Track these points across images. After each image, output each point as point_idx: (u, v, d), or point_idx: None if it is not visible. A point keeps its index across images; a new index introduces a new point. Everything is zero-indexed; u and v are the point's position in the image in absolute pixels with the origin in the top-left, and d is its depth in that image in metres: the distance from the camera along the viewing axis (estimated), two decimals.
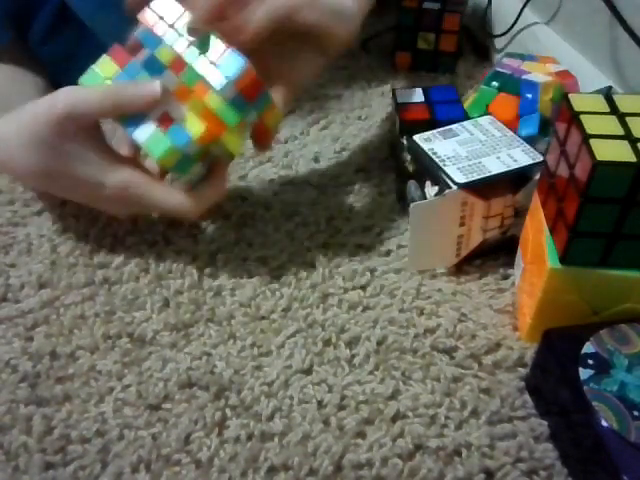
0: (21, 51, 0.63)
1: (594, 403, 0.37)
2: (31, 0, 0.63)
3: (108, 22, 0.61)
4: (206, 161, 0.49)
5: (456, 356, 0.45)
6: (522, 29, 0.78)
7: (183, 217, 0.52)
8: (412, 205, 0.48)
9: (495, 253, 0.53)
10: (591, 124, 0.40)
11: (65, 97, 0.46)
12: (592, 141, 0.38)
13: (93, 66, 0.48)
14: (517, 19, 0.78)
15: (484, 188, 0.49)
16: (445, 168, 0.50)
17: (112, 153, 0.49)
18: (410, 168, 0.54)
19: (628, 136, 0.39)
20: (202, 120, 0.45)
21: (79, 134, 0.47)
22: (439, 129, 0.55)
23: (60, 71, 0.65)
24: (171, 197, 0.48)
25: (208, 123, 0.45)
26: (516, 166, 0.50)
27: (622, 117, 0.41)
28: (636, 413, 0.36)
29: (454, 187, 0.48)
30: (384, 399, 0.43)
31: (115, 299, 0.49)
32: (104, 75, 0.47)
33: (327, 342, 0.46)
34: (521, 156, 0.51)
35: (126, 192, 0.48)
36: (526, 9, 0.77)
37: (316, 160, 0.64)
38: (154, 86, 0.45)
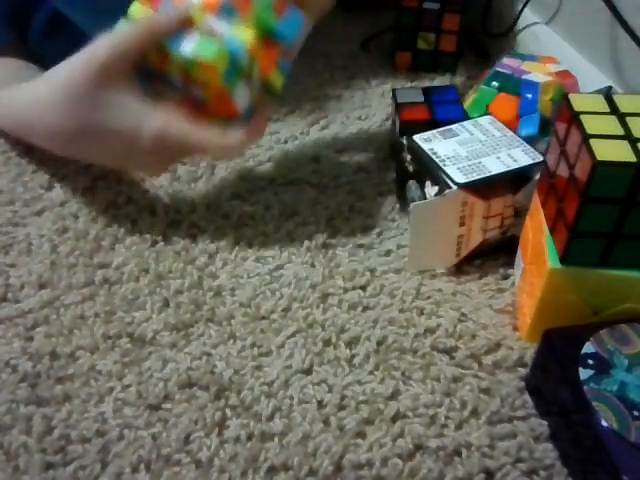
0: (20, 50, 0.63)
1: (594, 403, 0.37)
2: (29, 0, 0.63)
3: (102, 30, 0.62)
4: (248, 90, 0.49)
5: (456, 356, 0.45)
6: (522, 29, 0.78)
7: (223, 155, 0.53)
8: (412, 205, 0.48)
9: (495, 253, 0.53)
10: (591, 124, 0.40)
11: (103, 43, 0.47)
12: (592, 141, 0.38)
13: (126, 16, 0.49)
14: (517, 19, 0.78)
15: (484, 188, 0.49)
16: (445, 168, 0.50)
17: (147, 100, 0.49)
18: (410, 168, 0.54)
19: (628, 136, 0.39)
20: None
21: (116, 82, 0.47)
22: (439, 129, 0.55)
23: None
24: (211, 134, 0.48)
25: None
26: (516, 166, 0.50)
27: (622, 117, 0.41)
28: (636, 413, 0.36)
29: (454, 187, 0.48)
30: (384, 399, 0.43)
31: (115, 299, 0.49)
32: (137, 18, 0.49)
33: (327, 342, 0.46)
34: (521, 156, 0.51)
35: (165, 136, 0.48)
36: (526, 9, 0.77)
37: (316, 160, 0.64)
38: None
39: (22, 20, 0.65)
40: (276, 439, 0.40)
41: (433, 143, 0.53)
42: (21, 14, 0.64)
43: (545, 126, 0.61)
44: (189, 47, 0.47)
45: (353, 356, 0.45)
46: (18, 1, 0.63)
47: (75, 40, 0.64)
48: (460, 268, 0.52)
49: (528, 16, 0.77)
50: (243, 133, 0.49)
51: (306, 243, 0.54)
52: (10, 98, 0.55)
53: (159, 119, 0.48)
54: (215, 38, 0.47)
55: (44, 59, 0.66)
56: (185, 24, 0.47)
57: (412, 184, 0.54)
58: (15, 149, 0.63)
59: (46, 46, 0.66)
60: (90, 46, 0.48)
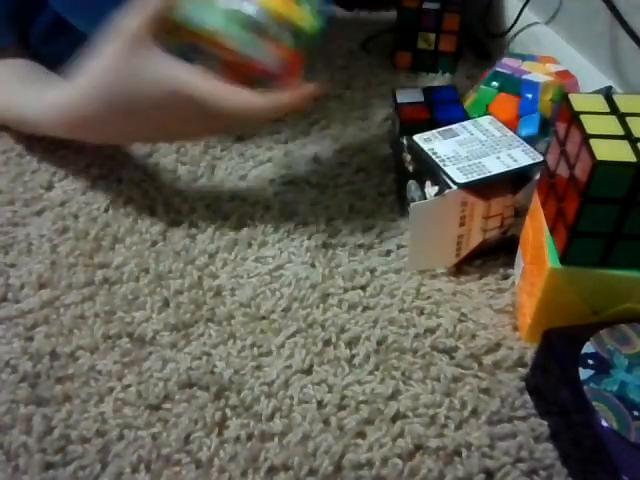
0: (22, 52, 0.63)
1: (594, 403, 0.37)
2: (32, 2, 0.63)
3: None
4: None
5: (456, 356, 0.45)
6: (522, 29, 0.78)
7: (253, 117, 0.50)
8: (412, 205, 0.48)
9: (495, 253, 0.53)
10: (591, 124, 0.40)
11: (131, 16, 0.48)
12: (592, 141, 0.38)
13: None
14: (517, 19, 0.78)
15: (484, 188, 0.49)
16: (445, 168, 0.50)
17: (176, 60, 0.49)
18: (410, 168, 0.54)
19: (628, 136, 0.39)
20: None
21: (146, 48, 0.48)
22: (439, 129, 0.55)
23: (59, 70, 0.66)
24: (239, 94, 0.47)
25: None
26: (516, 166, 0.50)
27: (622, 117, 0.41)
28: (636, 413, 0.36)
29: (454, 187, 0.48)
30: (384, 399, 0.43)
31: (115, 299, 0.49)
32: None
33: (327, 342, 0.46)
34: (521, 156, 0.51)
35: (190, 92, 0.47)
36: (526, 9, 0.77)
37: (316, 160, 0.64)
38: None
39: (24, 23, 0.65)
40: (276, 439, 0.40)
41: (433, 143, 0.53)
42: (23, 18, 0.65)
43: (545, 126, 0.61)
44: (196, 16, 0.46)
45: (353, 356, 0.45)
46: (20, 5, 0.63)
47: (76, 44, 0.64)
48: (460, 268, 0.52)
49: (528, 16, 0.77)
50: (271, 94, 0.48)
51: (306, 243, 0.54)
52: (50, 99, 0.55)
53: (185, 74, 0.48)
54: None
55: (45, 62, 0.66)
56: None
57: (412, 184, 0.54)
58: (15, 149, 0.63)
59: (47, 50, 0.67)
60: (117, 27, 0.49)
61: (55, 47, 0.66)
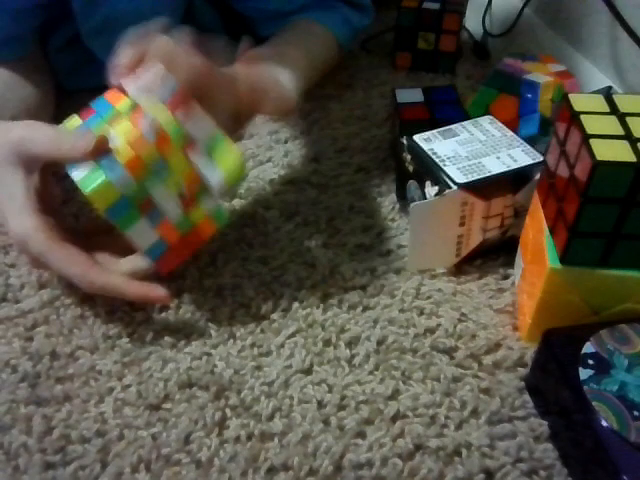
0: (29, 63, 0.64)
1: (594, 403, 0.37)
2: (55, 17, 0.65)
3: None
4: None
5: (456, 356, 0.45)
6: (522, 29, 0.78)
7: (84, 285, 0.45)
8: (412, 205, 0.48)
9: (495, 253, 0.53)
10: (591, 124, 0.40)
11: (22, 128, 0.46)
12: (592, 141, 0.38)
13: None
14: (517, 19, 0.78)
15: (484, 188, 0.49)
16: (445, 168, 0.50)
17: (37, 204, 0.45)
18: (410, 168, 0.54)
19: (628, 136, 0.39)
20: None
21: (19, 167, 0.45)
22: (439, 129, 0.55)
23: (72, 75, 0.70)
24: (70, 262, 0.44)
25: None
26: (516, 166, 0.50)
27: (622, 117, 0.41)
28: (636, 413, 0.36)
29: (454, 187, 0.48)
30: (384, 399, 0.43)
31: (115, 299, 0.49)
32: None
33: (327, 342, 0.46)
34: (521, 156, 0.51)
35: (26, 244, 0.44)
36: (526, 9, 0.77)
37: (316, 160, 0.64)
38: (88, 138, 0.43)
39: (45, 32, 0.67)
40: (276, 439, 0.40)
41: (433, 143, 0.53)
42: (46, 26, 0.66)
43: (545, 126, 0.61)
44: (78, 175, 0.43)
45: (353, 356, 0.45)
46: (48, 16, 0.64)
47: (88, 52, 0.66)
48: (460, 268, 0.52)
49: (528, 16, 0.77)
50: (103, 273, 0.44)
51: (306, 243, 0.54)
52: None
53: (28, 222, 0.44)
54: (101, 168, 0.42)
55: (56, 67, 0.69)
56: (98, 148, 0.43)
57: (412, 184, 0.54)
58: None
59: (62, 55, 0.70)
60: (13, 123, 0.47)
61: (69, 56, 0.70)
